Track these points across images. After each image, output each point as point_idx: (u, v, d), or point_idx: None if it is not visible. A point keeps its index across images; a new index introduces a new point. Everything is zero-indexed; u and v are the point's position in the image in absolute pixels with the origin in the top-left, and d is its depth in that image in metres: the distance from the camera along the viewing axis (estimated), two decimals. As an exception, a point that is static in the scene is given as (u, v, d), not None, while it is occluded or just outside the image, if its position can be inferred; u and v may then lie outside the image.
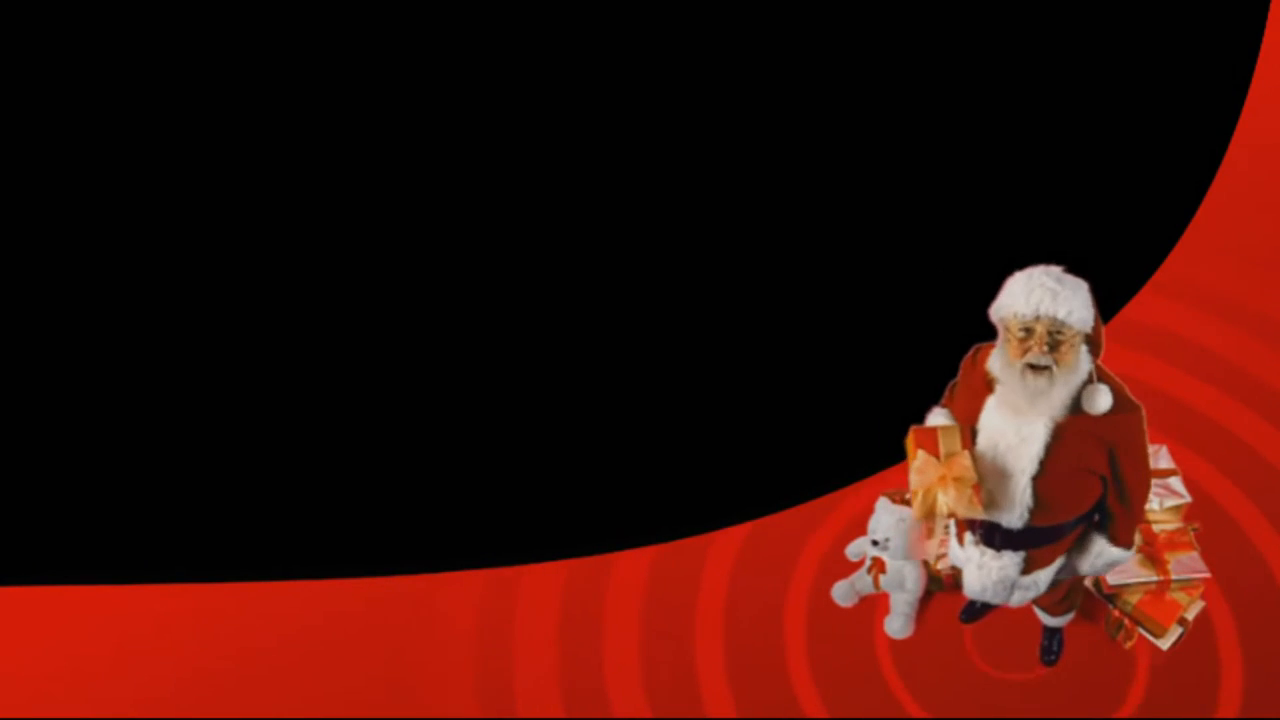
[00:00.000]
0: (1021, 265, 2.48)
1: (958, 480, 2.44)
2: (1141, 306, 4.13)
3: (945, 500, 2.45)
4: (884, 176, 4.52)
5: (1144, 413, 2.50)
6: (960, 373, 2.65)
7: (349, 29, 4.74)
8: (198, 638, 3.43)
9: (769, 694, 3.21)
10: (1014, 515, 2.53)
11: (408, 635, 3.42)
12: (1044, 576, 2.72)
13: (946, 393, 2.69)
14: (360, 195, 4.54)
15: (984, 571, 2.70)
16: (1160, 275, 4.24)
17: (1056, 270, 2.39)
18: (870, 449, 3.48)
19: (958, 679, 3.20)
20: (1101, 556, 2.69)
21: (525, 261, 4.38)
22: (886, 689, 3.20)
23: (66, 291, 4.26)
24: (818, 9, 4.83)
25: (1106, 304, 4.03)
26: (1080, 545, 2.70)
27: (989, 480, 2.50)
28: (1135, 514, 2.62)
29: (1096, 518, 2.66)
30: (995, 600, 2.80)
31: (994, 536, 2.63)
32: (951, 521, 2.84)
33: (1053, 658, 3.20)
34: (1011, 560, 2.66)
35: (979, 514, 2.48)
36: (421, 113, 4.70)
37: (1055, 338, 2.35)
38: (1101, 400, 2.41)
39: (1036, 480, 2.47)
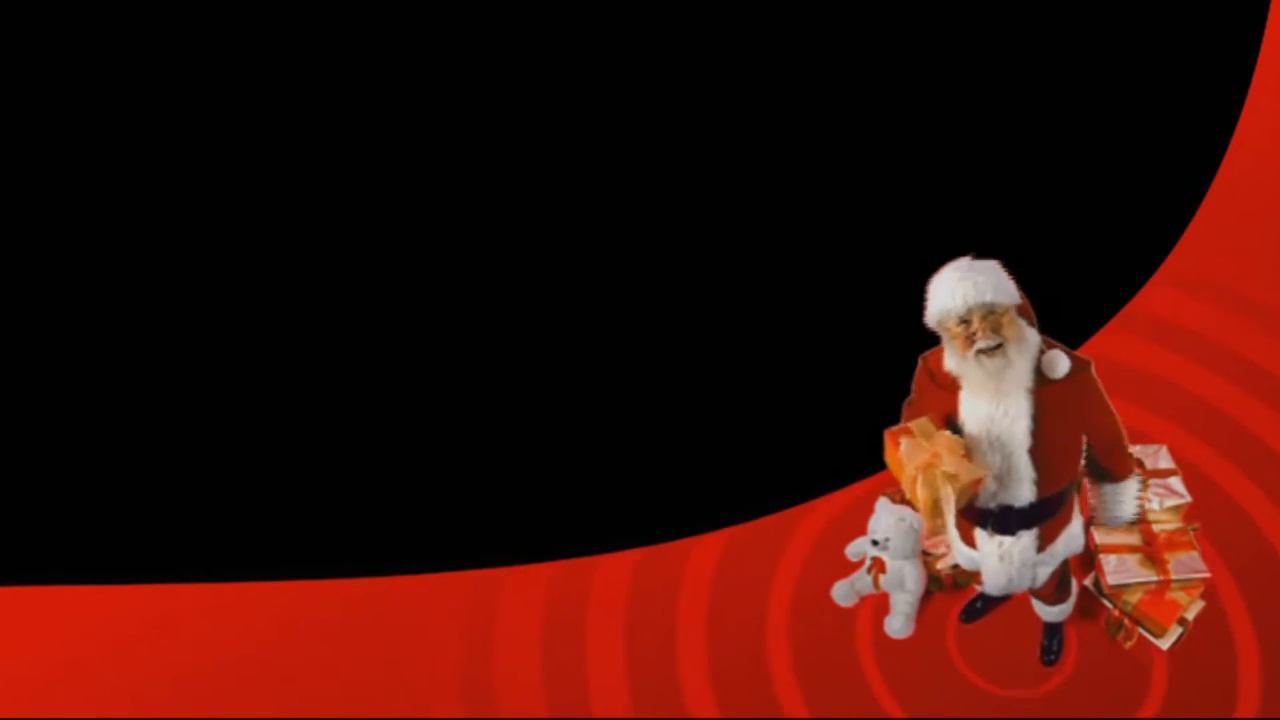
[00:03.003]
0: (1017, 266, 2.55)
1: (948, 448, 2.49)
2: (1137, 309, 4.13)
3: (947, 468, 2.45)
4: (880, 177, 4.52)
5: (1093, 366, 2.61)
6: (915, 388, 2.72)
7: (349, 29, 4.74)
8: (198, 638, 3.43)
9: (752, 694, 3.21)
10: (1023, 491, 2.62)
11: (407, 635, 3.42)
12: (1059, 547, 2.80)
13: (905, 412, 2.75)
14: (360, 195, 4.54)
15: (1007, 561, 2.77)
16: (1160, 275, 4.25)
17: (965, 261, 2.51)
18: (869, 450, 3.47)
19: (958, 679, 3.20)
20: (1119, 495, 2.83)
21: (520, 265, 4.38)
22: (886, 689, 3.20)
23: (66, 291, 4.27)
24: (818, 9, 4.83)
25: (1103, 303, 4.08)
26: (1101, 503, 2.85)
27: (996, 465, 2.58)
28: (1122, 451, 2.76)
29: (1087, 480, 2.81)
30: (1020, 586, 2.86)
31: (1009, 521, 2.69)
32: (953, 528, 2.87)
33: (1052, 657, 3.20)
34: (1029, 540, 2.73)
35: (981, 472, 2.51)
36: (422, 112, 4.70)
37: (993, 319, 2.45)
38: (1061, 363, 2.53)
39: (1033, 452, 2.56)
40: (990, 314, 2.45)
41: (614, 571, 3.52)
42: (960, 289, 2.45)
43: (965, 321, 2.46)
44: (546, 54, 4.77)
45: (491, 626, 3.42)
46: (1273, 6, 4.75)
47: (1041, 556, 2.78)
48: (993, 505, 2.66)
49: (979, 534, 2.78)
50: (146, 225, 4.44)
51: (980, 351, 2.46)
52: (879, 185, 4.50)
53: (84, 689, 3.33)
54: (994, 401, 2.53)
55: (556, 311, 4.24)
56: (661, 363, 4.05)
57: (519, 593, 3.49)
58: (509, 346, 4.13)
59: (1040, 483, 2.61)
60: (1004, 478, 2.59)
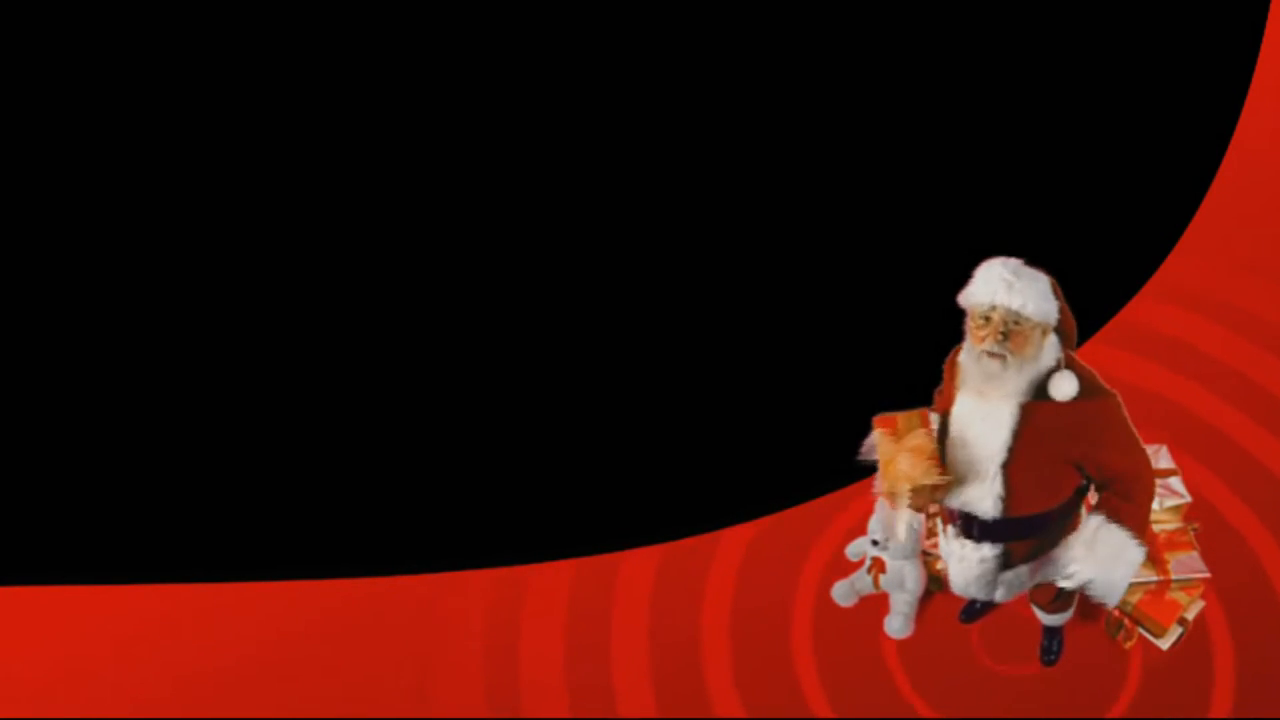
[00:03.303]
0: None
1: (914, 450, 2.49)
2: (1140, 309, 4.13)
3: (903, 468, 2.50)
4: (881, 176, 4.51)
5: (1119, 398, 2.53)
6: (945, 376, 2.70)
7: (349, 29, 4.75)
8: (198, 638, 3.43)
9: (773, 693, 3.21)
10: (985, 504, 2.57)
11: (407, 635, 3.42)
12: (1026, 570, 2.72)
13: (935, 398, 2.73)
14: (360, 195, 4.55)
15: (965, 565, 2.71)
16: (1160, 275, 4.24)
17: (1016, 262, 2.47)
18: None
19: (957, 679, 3.19)
20: (1107, 546, 2.51)
21: (519, 267, 4.38)
22: (886, 689, 3.19)
23: (66, 291, 4.27)
24: (817, 8, 4.83)
25: (1104, 306, 4.08)
26: (1080, 539, 2.59)
27: (960, 466, 2.55)
28: (1138, 499, 2.53)
29: (1089, 511, 2.61)
30: (980, 595, 2.81)
31: (971, 527, 2.65)
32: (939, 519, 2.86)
33: (1052, 658, 3.20)
34: (991, 553, 2.67)
35: (937, 479, 2.49)
36: (421, 113, 4.70)
37: (1010, 327, 2.42)
38: (1065, 385, 2.46)
39: (1006, 467, 2.52)
40: (1014, 323, 2.42)
41: (626, 571, 3.53)
42: (996, 286, 2.42)
43: (986, 317, 2.44)
44: (539, 54, 4.77)
45: (499, 626, 3.43)
46: (1273, 6, 4.75)
47: (1006, 575, 2.71)
48: (956, 506, 2.63)
49: (950, 529, 2.74)
50: (146, 225, 4.44)
51: (985, 352, 2.44)
52: (878, 187, 4.50)
53: (84, 689, 3.33)
54: (980, 403, 2.50)
55: (541, 315, 4.23)
56: (662, 364, 4.04)
57: (529, 592, 3.49)
58: (509, 347, 4.13)
59: (1006, 500, 2.55)
60: (967, 483, 2.56)
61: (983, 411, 2.51)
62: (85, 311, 4.22)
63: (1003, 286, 2.41)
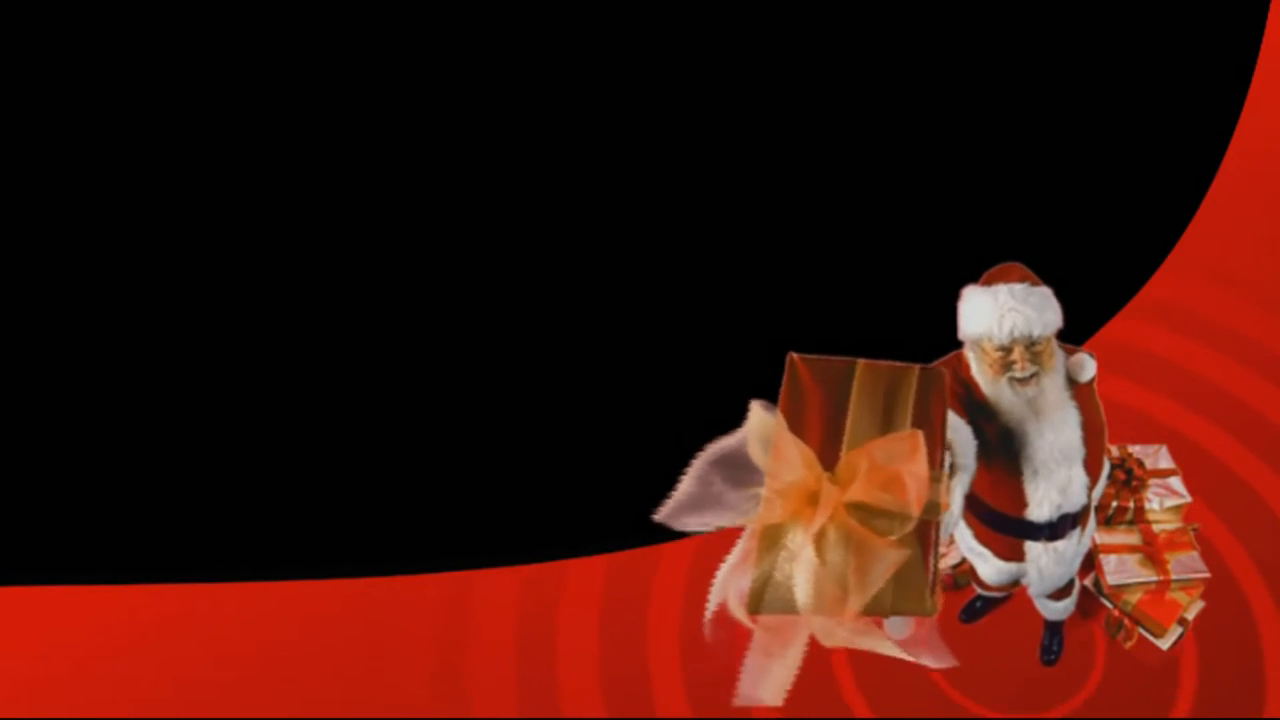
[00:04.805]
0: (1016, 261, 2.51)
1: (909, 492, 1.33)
2: (1132, 315, 4.14)
3: (835, 561, 1.21)
4: (880, 175, 4.51)
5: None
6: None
7: (349, 29, 4.74)
8: (198, 638, 3.43)
9: (722, 696, 3.19)
10: (1081, 497, 2.61)
11: (408, 635, 3.42)
12: (1090, 528, 2.80)
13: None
14: (356, 200, 4.54)
15: (1062, 561, 2.73)
16: (1157, 279, 4.25)
17: (1022, 289, 2.43)
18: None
19: (957, 679, 3.19)
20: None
21: (474, 276, 4.37)
22: (885, 689, 3.19)
23: (66, 291, 4.26)
24: (806, 7, 4.82)
25: (1097, 307, 4.09)
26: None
27: (1060, 480, 2.55)
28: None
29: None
30: (1066, 580, 2.85)
31: (1064, 527, 2.67)
32: (974, 542, 2.83)
33: (1052, 657, 3.20)
34: (1077, 534, 2.72)
35: (925, 608, 1.52)
36: (414, 117, 4.69)
37: (1033, 351, 2.42)
38: (1088, 367, 2.50)
39: (1086, 460, 2.57)
40: (1031, 345, 2.42)
41: (599, 575, 3.54)
42: (1009, 320, 2.39)
43: (1005, 349, 2.42)
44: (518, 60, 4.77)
45: (499, 626, 3.43)
46: (1273, 6, 4.75)
47: (1081, 549, 2.79)
48: (1056, 518, 2.63)
49: (1031, 546, 2.73)
50: (146, 225, 4.44)
51: (1014, 379, 2.44)
52: (876, 186, 4.50)
53: (85, 689, 3.33)
54: (1041, 421, 2.50)
55: (498, 326, 4.19)
56: (649, 366, 4.03)
57: (525, 593, 3.49)
58: (510, 342, 4.13)
59: (1090, 485, 2.62)
60: (1067, 489, 2.58)
61: (1050, 423, 2.51)
62: (85, 311, 4.22)
63: (1020, 320, 2.39)
